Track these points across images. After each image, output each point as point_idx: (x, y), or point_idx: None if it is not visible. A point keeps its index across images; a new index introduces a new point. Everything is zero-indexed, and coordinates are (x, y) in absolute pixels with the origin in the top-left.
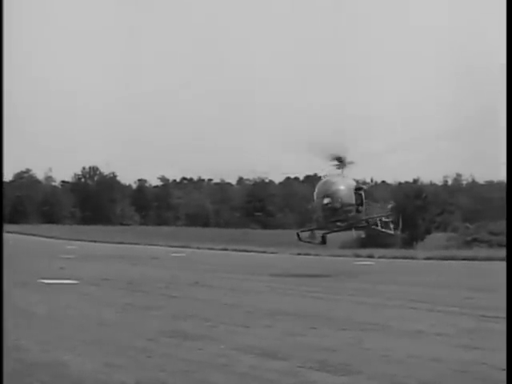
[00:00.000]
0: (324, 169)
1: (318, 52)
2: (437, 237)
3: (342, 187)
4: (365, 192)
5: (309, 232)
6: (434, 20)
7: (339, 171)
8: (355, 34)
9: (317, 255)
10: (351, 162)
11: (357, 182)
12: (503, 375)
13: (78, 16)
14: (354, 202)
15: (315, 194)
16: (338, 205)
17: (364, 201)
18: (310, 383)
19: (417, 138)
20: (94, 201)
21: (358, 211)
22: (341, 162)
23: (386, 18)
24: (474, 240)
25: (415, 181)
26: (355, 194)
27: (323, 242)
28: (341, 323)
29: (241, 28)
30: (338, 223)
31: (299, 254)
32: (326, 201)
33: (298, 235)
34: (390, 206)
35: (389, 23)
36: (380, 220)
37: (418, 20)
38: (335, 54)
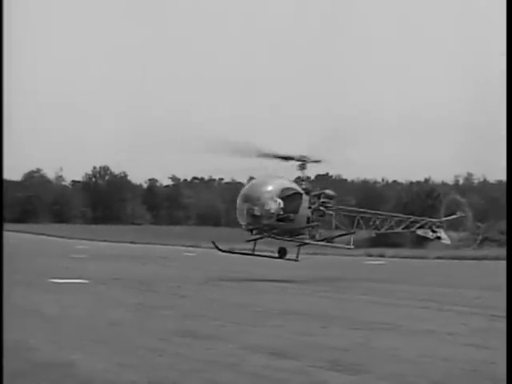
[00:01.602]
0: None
1: (323, 54)
2: (448, 236)
3: (268, 191)
4: (315, 197)
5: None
6: (437, 23)
7: (300, 172)
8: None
9: (325, 255)
10: (318, 161)
11: (305, 185)
12: None
13: (88, 12)
14: (279, 208)
15: (238, 198)
16: (259, 212)
17: (303, 207)
18: (321, 383)
19: (427, 138)
20: (105, 200)
21: (289, 219)
22: (301, 161)
23: (387, 20)
24: (485, 239)
25: (426, 180)
26: (288, 199)
27: (281, 255)
28: (351, 323)
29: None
30: (265, 233)
31: (312, 254)
32: (247, 206)
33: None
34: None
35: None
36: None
37: (420, 22)
38: (341, 55)
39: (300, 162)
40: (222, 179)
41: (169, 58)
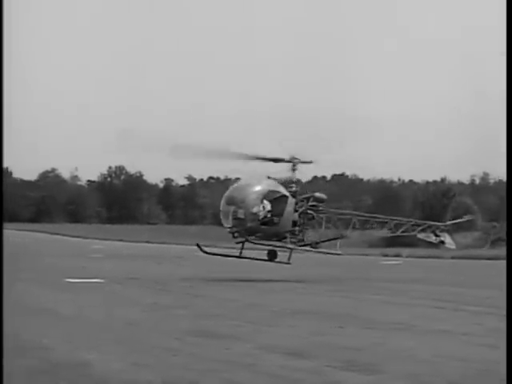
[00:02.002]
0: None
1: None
2: (464, 236)
3: (252, 194)
4: (303, 200)
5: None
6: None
7: (291, 173)
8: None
9: (347, 254)
10: (309, 162)
11: (292, 188)
12: None
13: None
14: (263, 211)
15: (222, 200)
16: (242, 215)
17: (288, 210)
18: (336, 383)
19: (444, 137)
20: (121, 200)
21: (273, 223)
22: (292, 163)
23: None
24: (498, 239)
25: (443, 180)
26: (273, 202)
27: (271, 257)
28: (366, 322)
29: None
30: (248, 237)
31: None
32: (230, 208)
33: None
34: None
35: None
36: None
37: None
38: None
39: (291, 164)
40: (238, 179)
41: None
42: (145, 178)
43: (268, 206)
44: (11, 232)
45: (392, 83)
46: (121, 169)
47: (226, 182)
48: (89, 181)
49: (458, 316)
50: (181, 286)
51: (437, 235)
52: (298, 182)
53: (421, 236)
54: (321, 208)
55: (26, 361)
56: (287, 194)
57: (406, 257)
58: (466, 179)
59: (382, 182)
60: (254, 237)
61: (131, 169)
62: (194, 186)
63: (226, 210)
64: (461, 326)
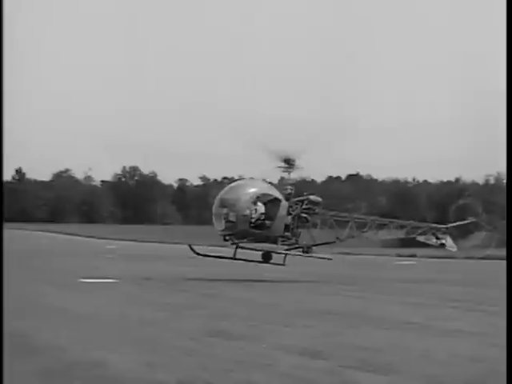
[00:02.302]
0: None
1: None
2: (478, 236)
3: (243, 196)
4: (297, 203)
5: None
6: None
7: (286, 174)
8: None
9: (359, 254)
10: (300, 167)
11: (287, 190)
12: None
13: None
14: (256, 214)
15: (214, 202)
16: (234, 218)
17: (280, 214)
18: (353, 383)
19: (459, 137)
20: (135, 200)
21: (265, 227)
22: (289, 164)
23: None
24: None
25: (457, 180)
26: (265, 205)
27: (266, 259)
28: (382, 322)
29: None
30: (239, 240)
31: (344, 254)
32: (221, 211)
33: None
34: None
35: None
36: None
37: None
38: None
39: (287, 165)
40: (252, 179)
41: None
42: (159, 178)
43: (260, 209)
44: (26, 233)
45: (406, 83)
46: (135, 169)
47: None
48: (102, 181)
49: (472, 316)
50: (195, 285)
51: (437, 238)
52: (292, 185)
53: (421, 239)
54: (317, 211)
55: (41, 361)
56: (280, 197)
57: (421, 257)
58: (480, 179)
59: (396, 182)
60: (245, 240)
61: (145, 169)
62: (208, 186)
63: (219, 212)
64: (476, 326)
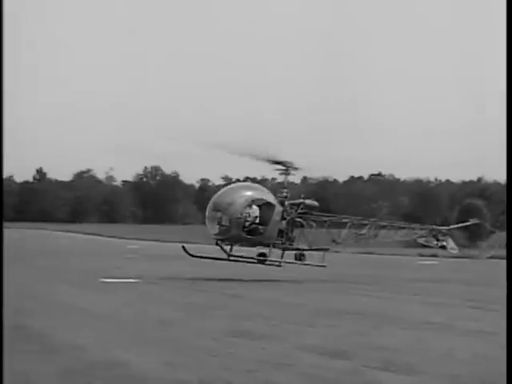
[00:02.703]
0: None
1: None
2: (501, 236)
3: (237, 200)
4: (293, 207)
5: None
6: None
7: (283, 177)
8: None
9: (381, 254)
10: (297, 169)
11: (283, 194)
12: None
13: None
14: (250, 218)
15: (208, 205)
16: (227, 222)
17: (274, 219)
18: (376, 383)
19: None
20: (156, 200)
21: (258, 232)
22: (285, 166)
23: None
24: None
25: (479, 179)
26: (260, 210)
27: (261, 260)
28: (403, 322)
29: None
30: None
31: (365, 253)
32: (215, 215)
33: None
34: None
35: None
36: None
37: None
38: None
39: (284, 168)
40: (274, 179)
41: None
42: (181, 178)
43: (254, 213)
44: (46, 232)
45: (431, 89)
46: (156, 169)
47: (263, 182)
48: (124, 181)
49: (494, 316)
50: (216, 285)
51: (438, 240)
52: (288, 187)
53: (421, 241)
54: (314, 214)
55: (61, 360)
56: (274, 202)
57: (443, 257)
58: (502, 179)
59: (418, 181)
60: (238, 245)
61: (167, 169)
62: None
63: (212, 215)
64: (498, 326)
